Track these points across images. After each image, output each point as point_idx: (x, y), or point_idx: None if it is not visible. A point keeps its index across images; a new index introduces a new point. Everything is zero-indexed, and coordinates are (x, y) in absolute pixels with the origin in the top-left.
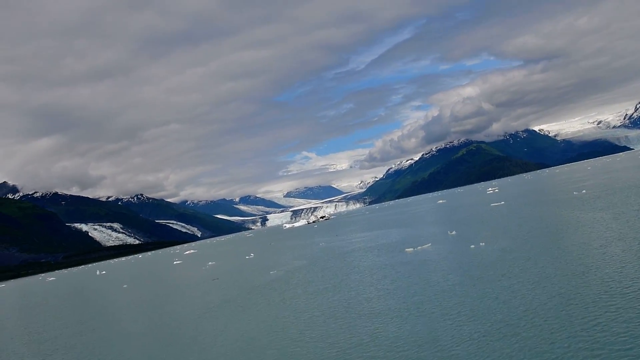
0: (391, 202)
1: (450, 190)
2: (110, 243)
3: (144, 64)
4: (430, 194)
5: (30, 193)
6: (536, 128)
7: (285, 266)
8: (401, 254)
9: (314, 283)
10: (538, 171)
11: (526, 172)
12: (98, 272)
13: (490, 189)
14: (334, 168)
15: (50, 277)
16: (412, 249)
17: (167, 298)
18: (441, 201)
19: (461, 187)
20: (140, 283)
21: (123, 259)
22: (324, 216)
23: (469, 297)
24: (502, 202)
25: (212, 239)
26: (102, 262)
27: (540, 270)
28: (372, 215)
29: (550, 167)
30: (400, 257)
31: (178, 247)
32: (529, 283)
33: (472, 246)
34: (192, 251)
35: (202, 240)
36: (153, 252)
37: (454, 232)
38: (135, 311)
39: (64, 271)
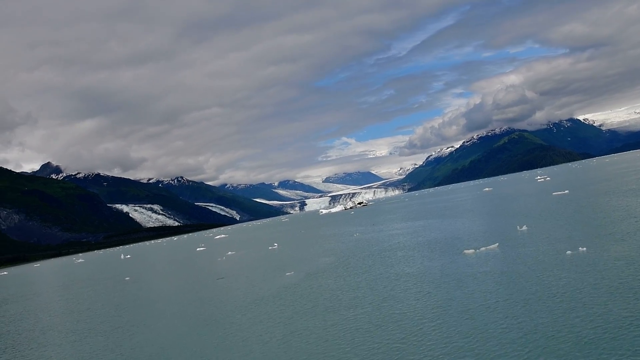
0: (431, 190)
1: (492, 178)
2: (150, 224)
3: (186, 48)
4: (472, 181)
5: (73, 174)
6: (581, 117)
7: (308, 265)
8: (460, 257)
9: (339, 298)
10: (584, 160)
11: (569, 161)
12: (122, 256)
13: (539, 177)
14: (374, 154)
15: (80, 259)
16: (473, 250)
17: (151, 303)
18: (487, 189)
19: (504, 176)
20: (145, 276)
21: (159, 240)
22: (362, 202)
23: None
24: (566, 191)
25: (249, 222)
26: (140, 243)
27: None
28: (413, 203)
29: (594, 157)
30: (460, 262)
31: (214, 229)
32: None
33: (569, 252)
34: (222, 236)
35: (238, 224)
36: (189, 234)
37: (524, 228)
38: (98, 320)
39: (100, 252)
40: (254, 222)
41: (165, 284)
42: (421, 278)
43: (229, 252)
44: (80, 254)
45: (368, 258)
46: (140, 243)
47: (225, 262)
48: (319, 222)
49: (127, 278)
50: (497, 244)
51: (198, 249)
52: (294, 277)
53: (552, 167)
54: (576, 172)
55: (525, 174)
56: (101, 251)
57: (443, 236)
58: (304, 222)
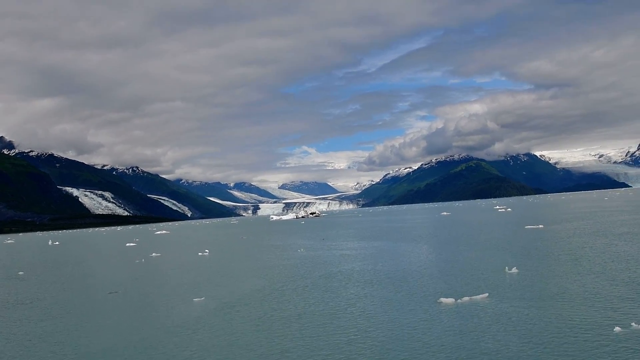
0: (385, 207)
1: (447, 203)
2: (100, 211)
3: (157, 37)
4: (427, 204)
5: (26, 151)
6: (537, 153)
7: (229, 288)
8: (435, 308)
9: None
10: (539, 195)
11: (523, 195)
12: (50, 242)
13: (498, 206)
14: (332, 166)
15: (11, 239)
16: (452, 300)
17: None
18: (445, 213)
19: (459, 202)
20: (42, 272)
21: (103, 229)
22: (314, 212)
23: None
24: (540, 226)
25: (199, 220)
26: (83, 229)
27: None
28: (367, 219)
29: (547, 193)
30: (437, 319)
31: (162, 223)
32: None
33: (617, 329)
34: (163, 232)
35: (187, 221)
36: (135, 226)
37: (514, 270)
38: None
39: (39, 234)
40: (203, 221)
41: (50, 288)
42: (381, 342)
43: (153, 254)
44: (20, 234)
45: (309, 290)
46: (83, 229)
47: (139, 266)
48: (266, 228)
49: (20, 272)
50: (487, 293)
51: (128, 244)
52: (203, 307)
53: (506, 198)
54: (536, 206)
55: (481, 202)
56: (40, 233)
57: (408, 268)
58: (251, 227)
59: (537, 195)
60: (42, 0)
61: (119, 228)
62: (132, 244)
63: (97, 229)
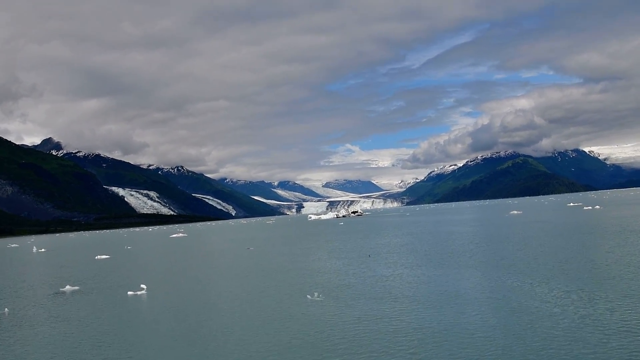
0: (432, 205)
1: (496, 200)
2: (145, 210)
3: (199, 36)
4: (474, 201)
5: (73, 152)
6: (586, 149)
7: None
8: None
9: None
10: (597, 192)
11: (571, 192)
12: (35, 250)
13: (572, 203)
14: (376, 164)
15: (14, 243)
16: None
17: None
18: (516, 212)
19: (511, 199)
20: None
21: (129, 229)
22: (356, 211)
23: None
24: None
25: (240, 219)
26: (123, 229)
27: None
28: (418, 220)
29: (597, 190)
30: None
31: (199, 224)
32: None
33: None
34: (180, 235)
35: (226, 220)
36: (174, 225)
37: None
38: None
39: (72, 235)
40: (241, 220)
41: None
42: None
43: (67, 287)
44: (57, 234)
45: None
46: (120, 229)
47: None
48: (296, 232)
49: None
50: None
51: (98, 257)
52: None
53: (565, 194)
54: (617, 202)
55: (539, 199)
56: (72, 234)
57: None
58: (281, 229)
59: (594, 192)
60: (86, 1)
61: (150, 228)
62: (103, 257)
63: (133, 229)
